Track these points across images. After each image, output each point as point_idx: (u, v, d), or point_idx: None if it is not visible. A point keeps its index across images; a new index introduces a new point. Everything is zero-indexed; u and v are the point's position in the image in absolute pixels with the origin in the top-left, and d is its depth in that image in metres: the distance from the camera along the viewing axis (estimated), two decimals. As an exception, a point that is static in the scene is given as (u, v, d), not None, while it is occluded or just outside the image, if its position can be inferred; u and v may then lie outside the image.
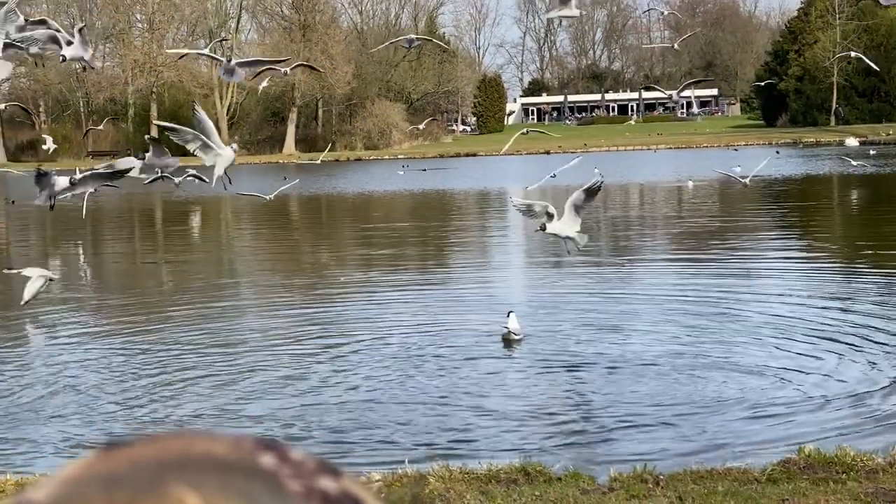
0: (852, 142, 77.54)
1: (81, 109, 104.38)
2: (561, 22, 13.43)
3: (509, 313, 11.97)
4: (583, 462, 7.68)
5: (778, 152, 56.60)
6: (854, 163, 38.93)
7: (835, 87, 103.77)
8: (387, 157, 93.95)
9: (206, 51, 13.23)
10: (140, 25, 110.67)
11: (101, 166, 10.51)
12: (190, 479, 0.63)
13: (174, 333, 13.24)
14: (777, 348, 11.33)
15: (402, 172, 57.79)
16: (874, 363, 10.46)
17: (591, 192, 10.95)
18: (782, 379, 10.05)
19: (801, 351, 11.15)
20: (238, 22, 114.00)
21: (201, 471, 0.64)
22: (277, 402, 9.84)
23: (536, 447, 8.21)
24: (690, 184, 38.97)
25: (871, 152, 61.83)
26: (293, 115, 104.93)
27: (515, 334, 11.80)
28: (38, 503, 0.63)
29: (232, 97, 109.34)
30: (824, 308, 13.49)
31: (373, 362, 11.32)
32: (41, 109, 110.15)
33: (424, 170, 62.63)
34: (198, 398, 10.05)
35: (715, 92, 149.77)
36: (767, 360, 10.84)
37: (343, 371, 10.99)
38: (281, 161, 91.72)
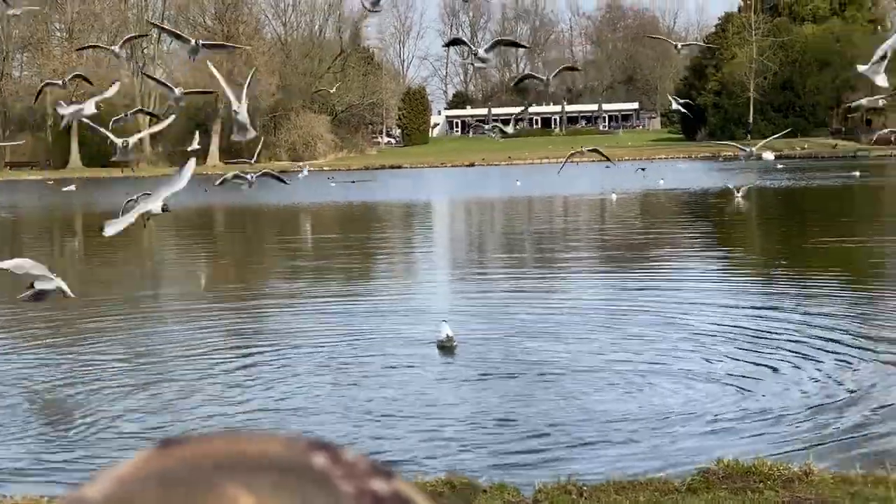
0: (769, 155, 79.01)
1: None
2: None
3: (443, 322, 12.24)
4: (510, 474, 7.83)
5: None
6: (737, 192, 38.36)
7: (751, 101, 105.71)
8: (312, 168, 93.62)
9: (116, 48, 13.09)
10: (59, 35, 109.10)
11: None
12: (244, 478, 0.63)
13: (93, 345, 13.19)
14: (705, 358, 11.61)
15: (333, 184, 57.66)
16: (797, 372, 10.76)
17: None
18: (707, 389, 10.32)
19: (726, 360, 11.45)
20: (160, 32, 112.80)
21: (255, 471, 0.64)
22: (193, 412, 9.88)
23: (465, 458, 8.35)
24: (614, 196, 39.50)
25: (765, 167, 63.30)
26: (217, 127, 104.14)
27: (450, 341, 12.02)
28: (93, 501, 0.64)
29: (154, 107, 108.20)
30: (745, 318, 13.89)
31: (299, 372, 11.43)
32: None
33: (354, 181, 62.49)
34: (107, 407, 10.05)
35: (636, 106, 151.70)
36: (694, 368, 11.15)
37: (268, 381, 11.07)
38: (206, 172, 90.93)
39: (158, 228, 35.81)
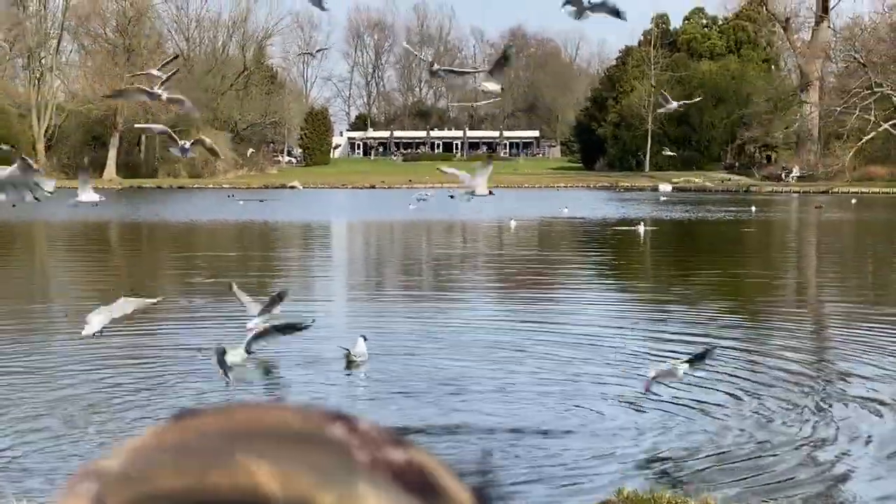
0: (666, 187, 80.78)
1: None
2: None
3: (361, 338, 12.53)
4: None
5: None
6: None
7: (649, 134, 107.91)
8: (211, 185, 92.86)
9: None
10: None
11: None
12: (261, 449, 0.64)
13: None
14: (614, 382, 11.88)
15: (241, 203, 57.20)
16: (702, 399, 11.00)
17: None
18: (609, 413, 10.53)
19: (627, 386, 11.68)
20: (59, 42, 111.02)
21: (271, 441, 0.65)
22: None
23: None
24: (513, 223, 39.97)
25: (662, 198, 65.01)
26: (115, 140, 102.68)
27: (358, 357, 12.37)
28: (110, 470, 0.64)
29: (50, 119, 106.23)
30: (657, 341, 14.22)
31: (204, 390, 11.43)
32: None
33: (262, 200, 61.99)
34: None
35: (536, 134, 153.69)
36: (603, 391, 11.39)
37: (171, 398, 11.04)
38: (103, 186, 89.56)
39: (50, 243, 35.21)
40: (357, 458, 0.65)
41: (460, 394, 11.30)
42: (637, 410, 10.65)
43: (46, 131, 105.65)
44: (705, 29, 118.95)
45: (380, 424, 0.68)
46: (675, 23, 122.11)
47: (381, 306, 18.92)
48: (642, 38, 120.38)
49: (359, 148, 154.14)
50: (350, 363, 12.43)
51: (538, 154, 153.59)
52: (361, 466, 0.64)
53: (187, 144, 11.52)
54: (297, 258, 30.35)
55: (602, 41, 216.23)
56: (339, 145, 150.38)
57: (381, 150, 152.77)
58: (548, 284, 22.70)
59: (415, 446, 0.68)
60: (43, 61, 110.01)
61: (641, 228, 36.43)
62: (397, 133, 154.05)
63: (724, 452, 9.23)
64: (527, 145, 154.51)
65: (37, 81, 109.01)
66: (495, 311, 18.15)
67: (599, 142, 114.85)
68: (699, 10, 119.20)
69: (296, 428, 0.66)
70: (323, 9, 11.14)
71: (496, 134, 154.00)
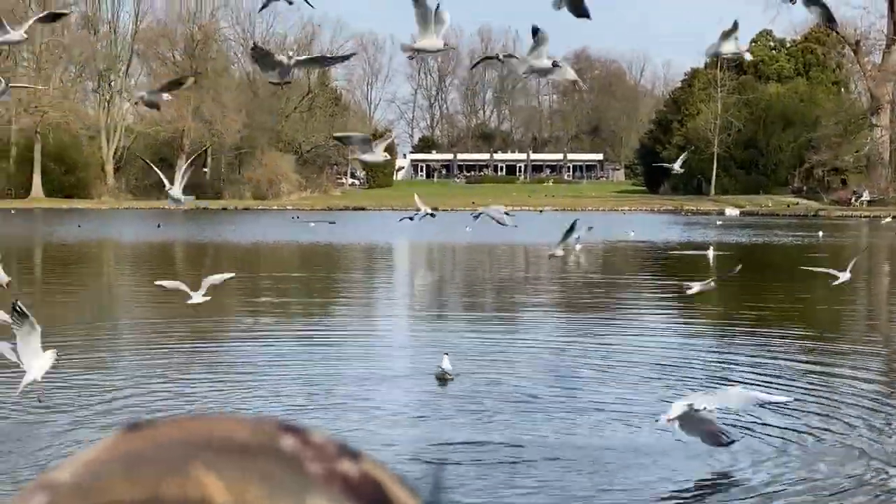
0: (732, 211, 79.90)
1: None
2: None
3: (445, 355, 12.95)
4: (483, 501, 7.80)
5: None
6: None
7: (715, 157, 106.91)
8: (276, 207, 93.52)
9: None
10: (26, 64, 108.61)
11: None
12: (212, 461, 0.63)
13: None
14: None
15: (312, 225, 57.27)
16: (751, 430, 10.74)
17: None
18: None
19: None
20: (128, 65, 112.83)
21: (223, 453, 0.64)
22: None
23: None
24: (577, 246, 39.51)
25: (718, 222, 64.13)
26: (181, 162, 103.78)
27: (449, 374, 12.80)
28: (61, 483, 0.64)
29: (119, 140, 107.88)
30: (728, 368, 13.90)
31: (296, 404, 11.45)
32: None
33: (333, 222, 62.05)
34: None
35: (600, 157, 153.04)
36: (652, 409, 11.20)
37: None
38: (167, 207, 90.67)
39: (119, 261, 35.52)
40: (309, 470, 0.64)
41: (540, 412, 11.36)
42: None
43: (115, 153, 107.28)
44: (773, 51, 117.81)
45: (333, 437, 0.67)
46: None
47: (447, 326, 18.77)
48: (708, 59, 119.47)
49: (422, 170, 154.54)
50: (442, 379, 12.83)
51: (602, 177, 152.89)
52: (314, 479, 0.64)
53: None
54: (362, 278, 30.29)
55: (667, 63, 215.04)
56: (403, 167, 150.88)
57: (444, 172, 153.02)
58: (622, 307, 22.38)
59: (369, 459, 0.67)
60: (112, 84, 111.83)
61: (711, 253, 35.89)
62: (460, 155, 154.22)
63: (815, 480, 8.98)
64: (590, 168, 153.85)
65: (106, 104, 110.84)
66: (565, 333, 17.88)
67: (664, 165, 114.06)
68: (767, 33, 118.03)
69: (248, 440, 0.65)
70: (311, 6, 10.86)
71: (560, 156, 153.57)
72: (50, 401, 11.32)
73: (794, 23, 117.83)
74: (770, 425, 10.67)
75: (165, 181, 10.97)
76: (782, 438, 10.26)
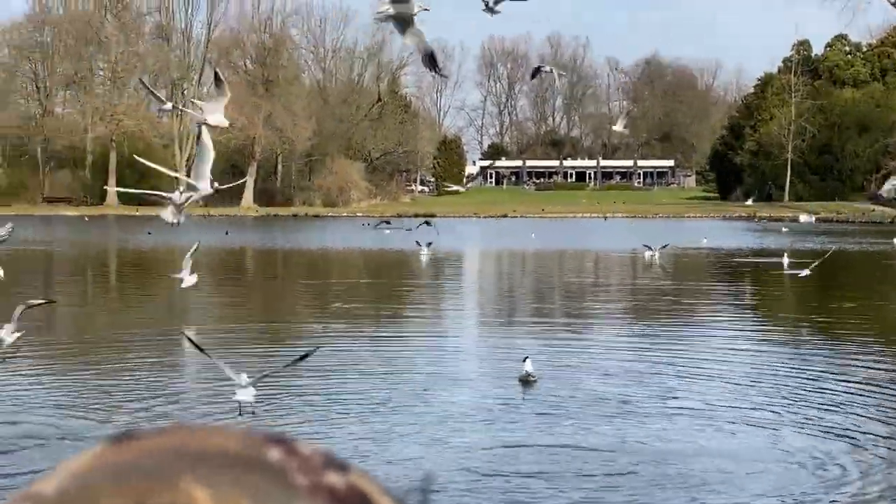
0: (807, 218, 78.64)
1: (39, 155, 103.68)
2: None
3: (525, 358, 13.13)
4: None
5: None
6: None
7: (789, 163, 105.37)
8: (345, 214, 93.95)
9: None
10: (102, 74, 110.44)
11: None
12: (199, 472, 0.63)
13: (132, 382, 13.06)
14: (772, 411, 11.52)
15: (388, 232, 56.97)
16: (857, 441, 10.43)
17: None
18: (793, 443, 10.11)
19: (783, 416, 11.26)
20: (201, 74, 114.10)
21: (210, 465, 0.64)
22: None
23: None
24: (647, 253, 39.08)
25: (784, 229, 63.00)
26: (252, 169, 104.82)
27: (532, 376, 12.98)
28: (47, 496, 0.63)
29: (192, 148, 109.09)
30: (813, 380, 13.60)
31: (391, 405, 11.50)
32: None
33: (409, 229, 61.72)
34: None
35: (671, 163, 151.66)
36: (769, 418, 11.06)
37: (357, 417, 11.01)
38: (238, 214, 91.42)
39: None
40: (295, 482, 0.64)
41: (623, 416, 11.34)
42: (798, 435, 10.36)
43: (188, 160, 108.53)
44: (848, 56, 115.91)
45: (320, 448, 0.68)
46: (817, 49, 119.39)
47: (523, 330, 18.67)
48: (782, 65, 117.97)
49: (491, 177, 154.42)
50: (526, 382, 12.95)
51: (672, 184, 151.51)
52: (301, 490, 0.64)
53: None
54: (434, 284, 30.21)
55: (740, 68, 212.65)
56: (472, 174, 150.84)
57: (513, 179, 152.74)
58: (698, 313, 22.06)
59: (355, 471, 0.67)
60: (185, 93, 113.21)
61: (786, 260, 35.29)
62: (530, 162, 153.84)
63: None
64: (661, 175, 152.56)
65: (179, 112, 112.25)
66: (643, 339, 17.62)
67: (736, 171, 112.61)
68: (842, 37, 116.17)
69: (234, 451, 0.65)
70: (442, 75, 10.81)
71: (630, 163, 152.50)
72: (120, 402, 11.38)
73: (870, 27, 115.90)
74: (877, 435, 10.41)
75: (175, 194, 10.50)
76: (889, 448, 9.99)
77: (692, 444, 10.11)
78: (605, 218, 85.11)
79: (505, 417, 11.29)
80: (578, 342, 17.18)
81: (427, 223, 38.98)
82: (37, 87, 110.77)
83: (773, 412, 11.53)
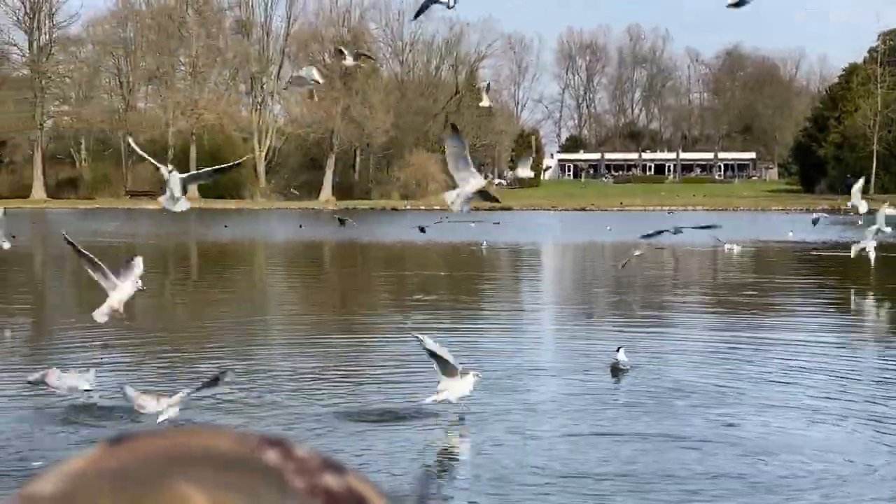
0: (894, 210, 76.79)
1: (122, 149, 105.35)
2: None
3: (619, 348, 13.17)
4: None
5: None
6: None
7: (875, 155, 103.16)
8: (422, 207, 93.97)
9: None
10: (183, 68, 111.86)
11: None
12: (195, 475, 0.63)
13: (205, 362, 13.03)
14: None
15: (473, 225, 56.30)
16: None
17: None
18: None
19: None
20: (280, 68, 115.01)
21: (207, 467, 0.64)
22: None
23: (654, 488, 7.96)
24: (727, 246, 38.40)
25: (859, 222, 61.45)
26: (331, 162, 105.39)
27: (624, 366, 13.00)
28: (44, 497, 0.63)
29: (270, 142, 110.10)
30: None
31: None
32: (82, 148, 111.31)
33: (497, 223, 61.52)
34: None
35: (752, 155, 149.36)
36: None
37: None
38: (315, 207, 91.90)
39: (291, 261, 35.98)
40: (293, 484, 0.64)
41: (719, 407, 11.09)
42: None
43: (267, 154, 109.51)
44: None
45: (317, 450, 0.67)
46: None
47: (608, 323, 18.43)
48: (868, 55, 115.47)
49: (569, 170, 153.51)
50: (617, 372, 12.95)
51: (754, 176, 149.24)
52: (298, 493, 0.64)
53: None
54: (515, 277, 29.99)
55: (823, 59, 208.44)
56: (550, 167, 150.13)
57: (591, 172, 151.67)
58: (785, 307, 21.58)
59: (353, 473, 0.67)
60: (264, 87, 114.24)
61: (870, 247, 34.37)
62: (608, 155, 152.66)
63: None
64: (742, 167, 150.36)
65: (259, 106, 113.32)
66: (731, 332, 17.23)
67: (820, 163, 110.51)
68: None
69: (231, 453, 0.65)
70: (449, 6, 10.61)
71: (710, 156, 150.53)
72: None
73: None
74: None
75: (164, 170, 10.34)
76: None
77: (795, 437, 9.77)
78: (670, 212, 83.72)
79: (593, 408, 11.11)
80: (665, 333, 16.91)
81: (341, 221, 38.53)
82: (119, 82, 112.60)
83: (878, 405, 11.14)
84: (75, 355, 14.06)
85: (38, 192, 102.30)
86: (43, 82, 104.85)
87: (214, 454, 0.65)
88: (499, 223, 57.41)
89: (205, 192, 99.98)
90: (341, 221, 37.52)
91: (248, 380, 12.64)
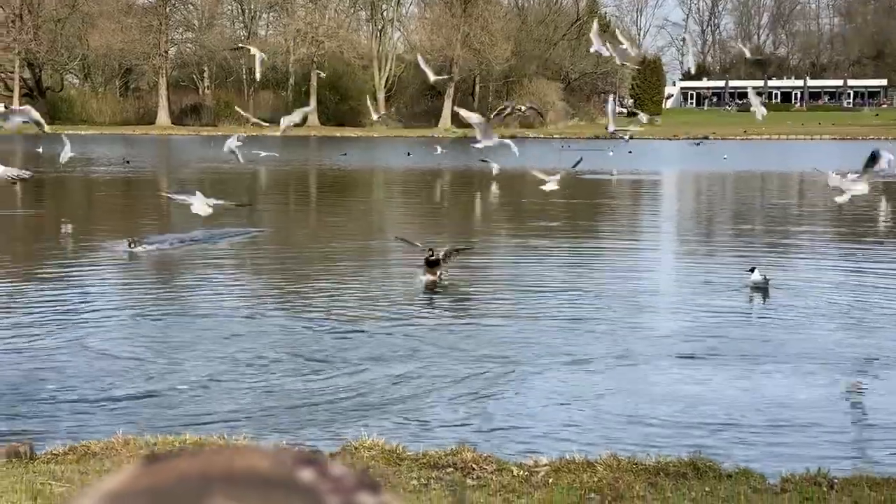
0: None
1: (244, 77, 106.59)
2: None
3: (753, 269, 13.47)
4: (751, 459, 7.35)
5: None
6: None
7: None
8: (541, 136, 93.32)
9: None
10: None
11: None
12: (232, 494, 0.63)
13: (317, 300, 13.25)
14: None
15: (611, 153, 55.23)
16: None
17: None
18: None
19: None
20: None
21: (243, 486, 0.64)
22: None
23: (705, 440, 7.92)
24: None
25: None
26: (450, 90, 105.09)
27: (761, 283, 13.27)
28: None
29: (390, 70, 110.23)
30: None
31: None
32: (205, 75, 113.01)
33: (631, 152, 60.56)
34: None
35: (884, 83, 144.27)
36: None
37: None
38: (435, 135, 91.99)
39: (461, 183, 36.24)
40: (329, 502, 0.64)
41: (858, 328, 11.34)
42: None
43: (386, 82, 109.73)
44: None
45: (353, 468, 0.67)
46: None
47: (728, 251, 18.31)
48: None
49: (691, 98, 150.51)
50: (758, 289, 13.22)
51: (885, 104, 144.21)
52: None
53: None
54: (638, 207, 29.72)
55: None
56: (672, 95, 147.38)
57: (714, 100, 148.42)
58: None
59: (386, 491, 0.67)
60: (384, 14, 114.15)
61: None
62: (732, 83, 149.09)
63: None
64: (873, 95, 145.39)
65: (378, 34, 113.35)
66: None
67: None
68: None
69: (267, 472, 0.65)
70: None
71: (839, 83, 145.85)
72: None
73: None
74: None
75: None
76: None
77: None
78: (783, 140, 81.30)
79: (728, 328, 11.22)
80: (794, 261, 16.66)
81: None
82: (241, 9, 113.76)
83: None
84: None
85: (163, 118, 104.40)
86: (168, 9, 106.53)
87: (251, 473, 0.65)
88: (631, 152, 56.46)
89: (325, 120, 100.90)
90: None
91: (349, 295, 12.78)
